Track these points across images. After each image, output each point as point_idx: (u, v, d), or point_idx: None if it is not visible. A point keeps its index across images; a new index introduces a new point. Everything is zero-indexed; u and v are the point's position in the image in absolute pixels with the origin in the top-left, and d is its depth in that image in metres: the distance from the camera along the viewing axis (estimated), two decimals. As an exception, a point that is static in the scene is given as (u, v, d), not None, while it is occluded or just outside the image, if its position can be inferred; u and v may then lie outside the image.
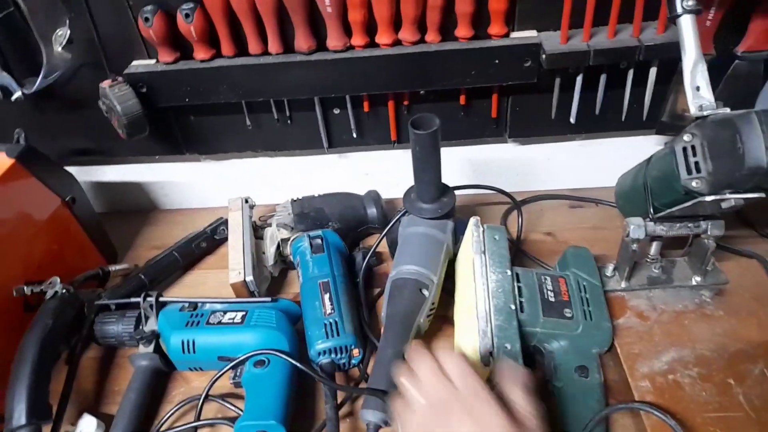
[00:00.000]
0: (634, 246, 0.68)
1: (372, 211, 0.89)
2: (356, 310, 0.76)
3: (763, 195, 0.54)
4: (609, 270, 0.74)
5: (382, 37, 0.76)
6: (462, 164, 0.96)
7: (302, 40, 0.76)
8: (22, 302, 0.73)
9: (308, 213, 0.87)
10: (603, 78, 0.78)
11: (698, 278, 0.72)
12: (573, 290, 0.69)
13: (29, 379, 0.62)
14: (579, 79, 0.78)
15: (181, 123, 0.89)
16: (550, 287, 0.69)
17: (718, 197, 0.55)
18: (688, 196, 0.59)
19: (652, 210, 0.68)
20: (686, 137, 0.57)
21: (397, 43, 0.77)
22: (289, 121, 0.88)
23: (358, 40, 0.77)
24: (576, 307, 0.67)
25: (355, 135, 0.89)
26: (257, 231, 0.88)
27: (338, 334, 0.69)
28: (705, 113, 0.55)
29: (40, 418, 0.61)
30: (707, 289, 0.71)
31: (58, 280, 0.74)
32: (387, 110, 0.86)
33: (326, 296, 0.74)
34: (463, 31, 0.75)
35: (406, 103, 0.85)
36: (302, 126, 0.89)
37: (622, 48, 0.72)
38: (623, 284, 0.73)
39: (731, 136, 0.52)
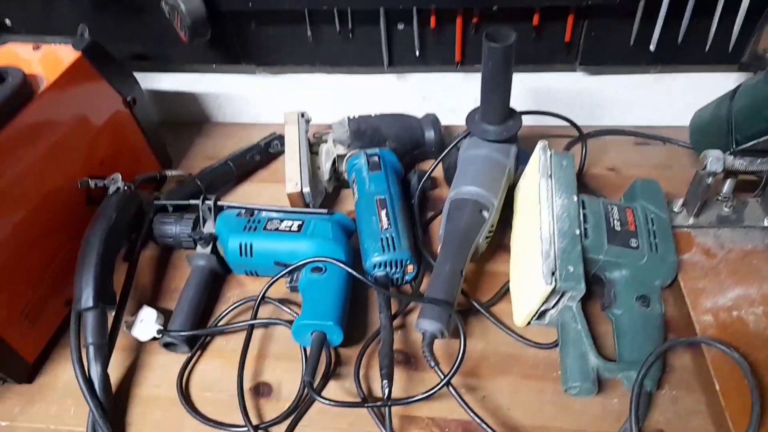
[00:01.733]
0: (710, 180, 0.65)
1: (430, 134, 0.87)
2: (411, 229, 0.75)
3: None
4: (677, 205, 0.71)
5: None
6: (526, 93, 0.92)
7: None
8: (85, 195, 0.74)
9: (365, 131, 0.86)
10: (691, 3, 0.73)
11: (772, 219, 0.69)
12: (640, 221, 0.67)
13: (96, 266, 0.64)
14: (665, 1, 0.73)
15: (241, 31, 0.87)
16: (616, 216, 0.67)
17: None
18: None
19: (734, 143, 0.64)
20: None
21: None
22: (350, 35, 0.85)
23: (432, -55, 0.73)
24: (642, 238, 0.65)
25: (417, 53, 0.86)
26: (312, 147, 0.87)
27: (394, 249, 0.69)
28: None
29: (105, 302, 0.63)
30: (780, 230, 0.68)
31: (120, 176, 0.75)
32: (453, 29, 0.82)
33: (383, 212, 0.73)
34: (546, -59, 0.70)
35: (475, 20, 0.81)
36: (364, 41, 0.86)
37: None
38: (691, 220, 0.70)
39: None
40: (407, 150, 0.87)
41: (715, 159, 0.64)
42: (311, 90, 0.97)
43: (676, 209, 0.71)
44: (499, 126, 0.74)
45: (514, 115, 0.76)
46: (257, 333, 0.68)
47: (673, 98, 0.88)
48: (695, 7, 0.74)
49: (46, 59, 0.73)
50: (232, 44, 0.89)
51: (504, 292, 0.70)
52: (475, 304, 0.68)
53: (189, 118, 1.04)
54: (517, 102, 0.90)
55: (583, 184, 0.83)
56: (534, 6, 0.76)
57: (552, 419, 0.58)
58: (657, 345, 0.59)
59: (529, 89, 0.92)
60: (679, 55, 0.80)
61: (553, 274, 0.60)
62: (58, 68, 0.71)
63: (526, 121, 0.87)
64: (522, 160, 0.77)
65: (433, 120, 0.88)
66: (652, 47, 0.79)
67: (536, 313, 0.63)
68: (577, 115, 0.91)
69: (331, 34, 0.85)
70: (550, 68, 0.89)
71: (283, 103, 0.98)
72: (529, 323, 0.65)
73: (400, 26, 0.84)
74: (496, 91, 0.70)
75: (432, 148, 0.88)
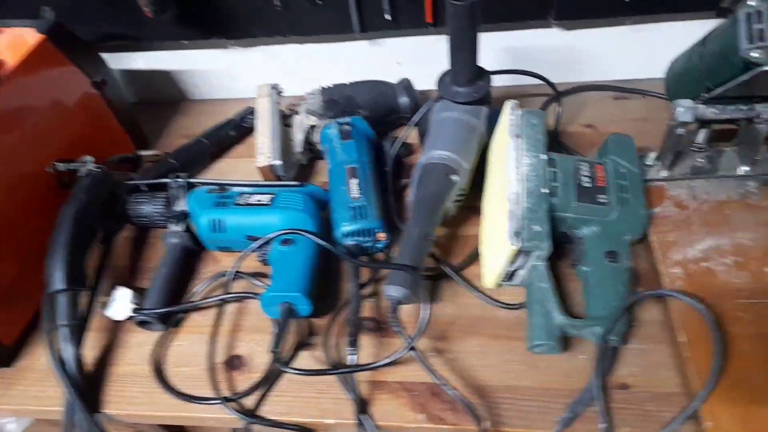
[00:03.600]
0: (681, 130, 0.64)
1: (404, 100, 0.86)
2: (383, 197, 0.75)
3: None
4: (651, 158, 0.70)
5: None
6: (500, 52, 0.90)
7: None
8: (57, 180, 0.74)
9: (337, 100, 0.85)
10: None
11: (746, 168, 0.67)
12: (610, 177, 0.66)
13: (66, 247, 0.64)
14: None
15: (208, 4, 0.85)
16: (586, 173, 0.66)
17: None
18: (746, 69, 0.53)
19: (705, 90, 0.63)
20: (752, 1, 0.51)
21: None
22: (319, 2, 0.83)
23: None
24: (611, 193, 0.64)
25: (389, 17, 0.84)
26: (286, 119, 0.86)
27: (364, 217, 0.69)
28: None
29: (76, 284, 0.64)
30: (754, 179, 0.67)
31: (90, 159, 0.75)
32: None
33: (353, 181, 0.73)
34: None
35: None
36: (333, 8, 0.84)
37: None
38: (664, 173, 0.69)
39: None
40: (381, 116, 0.86)
41: (684, 109, 0.62)
42: (285, 62, 0.96)
43: (650, 162, 0.70)
44: (468, 87, 0.73)
45: (483, 76, 0.74)
46: (231, 307, 0.69)
47: (652, 50, 0.86)
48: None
49: (9, 43, 0.72)
50: (200, 19, 0.88)
51: (475, 255, 0.70)
52: (444, 268, 0.68)
53: (165, 97, 1.03)
54: (493, 62, 0.89)
55: (560, 142, 0.81)
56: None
57: (519, 378, 0.58)
58: (624, 300, 0.59)
59: (506, 48, 0.90)
60: (655, 3, 0.77)
61: (518, 234, 0.59)
62: (21, 52, 0.71)
63: (503, 81, 0.87)
64: (496, 120, 0.76)
65: (406, 85, 0.87)
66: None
67: (505, 274, 0.63)
68: (555, 72, 0.89)
69: (299, 2, 0.84)
70: (525, 25, 0.86)
71: (258, 77, 0.96)
72: (500, 285, 0.65)
73: (368, -9, 0.82)
74: (463, 50, 0.69)
75: (407, 114, 0.87)
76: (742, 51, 0.52)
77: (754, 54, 0.51)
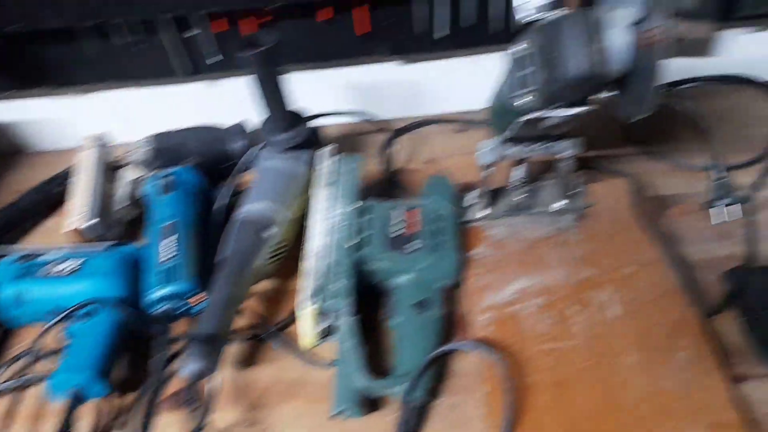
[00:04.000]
0: (487, 172, 0.63)
1: (236, 145, 0.82)
2: (206, 253, 0.71)
3: (588, 110, 0.49)
4: (471, 198, 0.69)
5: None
6: (341, 89, 0.89)
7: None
8: None
9: (166, 149, 0.81)
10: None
11: (561, 203, 0.67)
12: (425, 221, 0.64)
13: None
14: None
15: (28, 52, 0.80)
16: (399, 219, 0.64)
17: (544, 114, 0.49)
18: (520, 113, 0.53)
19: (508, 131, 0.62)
20: (519, 45, 0.50)
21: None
22: (140, 46, 0.79)
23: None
24: (424, 239, 0.63)
25: (221, 57, 0.81)
26: (113, 172, 0.81)
27: (175, 280, 0.64)
28: (533, 17, 0.48)
29: None
30: (570, 213, 0.67)
31: None
32: (247, 29, 0.77)
33: (168, 240, 0.68)
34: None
35: (268, 18, 0.76)
36: (158, 50, 0.80)
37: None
38: (485, 212, 0.68)
39: (549, 45, 0.46)
40: (214, 163, 0.82)
41: (485, 151, 0.62)
42: (119, 108, 0.91)
43: (470, 201, 0.69)
44: (287, 133, 0.71)
45: (301, 121, 0.72)
46: (32, 389, 0.63)
47: (484, 80, 0.86)
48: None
49: None
50: (24, 67, 0.82)
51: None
52: (261, 331, 0.65)
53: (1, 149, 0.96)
54: (334, 99, 0.87)
55: (396, 183, 0.79)
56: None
57: (330, 444, 0.55)
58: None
59: (347, 85, 0.88)
60: (470, 37, 0.78)
61: (317, 293, 0.57)
62: None
63: (345, 119, 0.85)
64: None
65: (238, 130, 0.83)
66: (435, 35, 0.76)
67: (317, 333, 0.60)
68: (400, 106, 0.89)
69: (123, 47, 0.79)
70: (361, 61, 0.85)
71: (89, 126, 0.91)
72: (317, 344, 0.62)
73: (194, 32, 0.79)
74: (266, 98, 0.66)
75: (239, 160, 0.83)
76: (508, 98, 0.51)
77: (518, 102, 0.50)
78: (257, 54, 0.60)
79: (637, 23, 0.46)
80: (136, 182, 0.79)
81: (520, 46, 0.51)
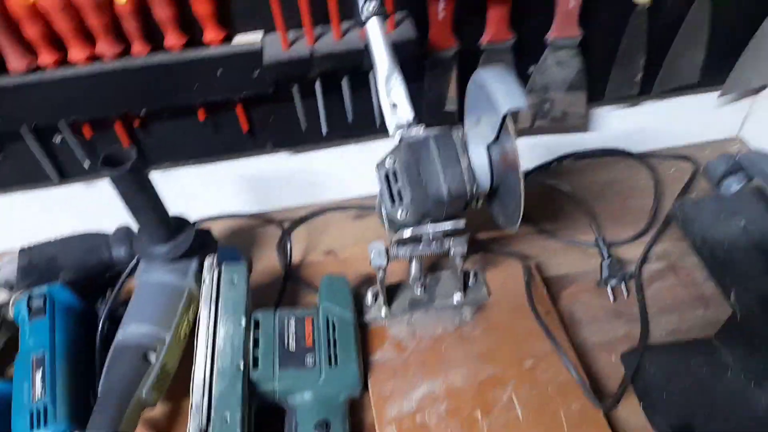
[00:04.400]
0: (381, 274, 0.61)
1: (119, 252, 0.76)
2: (86, 385, 0.63)
3: (461, 224, 0.48)
4: (369, 298, 0.67)
5: (74, 53, 0.63)
6: (236, 181, 0.85)
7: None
8: None
9: (36, 264, 0.73)
10: (346, 81, 0.69)
11: (459, 296, 0.66)
12: (320, 331, 0.61)
13: None
14: (318, 85, 0.69)
15: None
16: (293, 331, 0.60)
17: (419, 231, 0.48)
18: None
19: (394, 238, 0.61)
20: (387, 161, 0.49)
21: (100, 58, 0.64)
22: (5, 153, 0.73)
23: (45, 58, 0.63)
24: (320, 351, 0.59)
25: (86, 165, 0.75)
26: (-23, 294, 0.72)
27: (46, 423, 0.57)
28: (399, 135, 0.48)
29: None
30: (468, 306, 0.66)
31: None
32: (114, 134, 0.73)
33: (38, 374, 0.61)
34: (171, 39, 0.63)
35: (137, 124, 0.73)
36: (22, 158, 0.74)
37: (350, 51, 0.63)
38: (383, 312, 0.66)
39: (416, 162, 0.45)
40: (93, 276, 0.75)
41: (377, 253, 0.60)
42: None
43: (368, 302, 0.67)
44: (168, 244, 0.66)
45: (185, 228, 0.67)
46: None
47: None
48: (353, 83, 0.71)
49: None
50: None
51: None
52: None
53: None
54: (231, 191, 0.84)
55: (297, 278, 0.76)
56: (184, 104, 0.69)
57: None
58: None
59: (242, 177, 0.85)
60: (356, 130, 0.77)
61: (204, 427, 0.51)
62: None
63: (237, 215, 0.82)
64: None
65: (122, 235, 0.77)
66: (323, 131, 0.75)
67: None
68: (298, 195, 0.86)
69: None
70: (248, 154, 0.82)
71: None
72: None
73: (57, 139, 0.73)
74: (140, 212, 0.62)
75: (125, 268, 0.77)
76: (388, 211, 0.49)
77: (399, 214, 0.49)
78: (117, 175, 0.55)
79: (495, 141, 0.46)
80: (3, 306, 0.71)
81: (387, 161, 0.50)
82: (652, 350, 0.62)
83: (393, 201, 0.49)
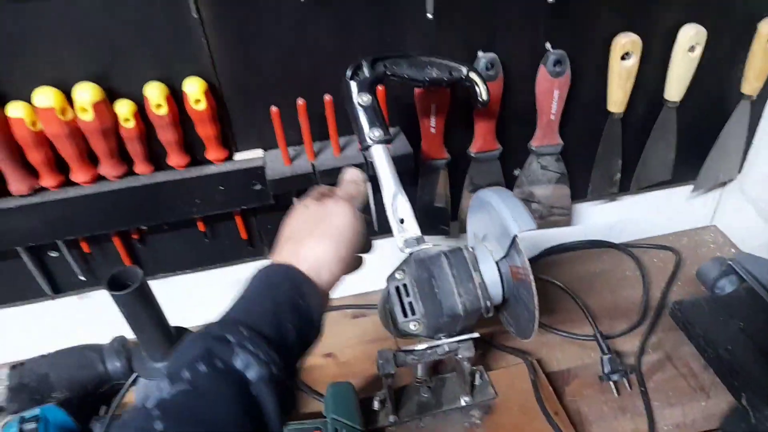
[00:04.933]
0: (389, 381, 0.61)
1: (115, 366, 0.74)
2: None
3: (475, 335, 0.50)
4: (376, 404, 0.66)
5: (77, 175, 0.64)
6: (233, 287, 0.85)
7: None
8: None
9: (27, 383, 0.70)
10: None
11: (466, 398, 0.66)
12: (328, 444, 0.60)
13: None
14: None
15: None
16: (301, 447, 0.59)
17: (433, 344, 0.50)
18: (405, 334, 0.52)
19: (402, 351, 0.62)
20: (398, 274, 0.51)
21: (102, 177, 0.66)
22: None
23: (48, 180, 0.64)
24: (330, 467, 0.58)
25: (83, 277, 0.75)
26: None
27: None
28: (408, 249, 0.50)
29: None
30: (476, 408, 0.66)
31: None
32: (113, 246, 0.73)
33: None
34: (175, 159, 0.66)
35: (135, 237, 0.73)
36: (15, 275, 0.73)
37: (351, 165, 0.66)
38: (391, 418, 0.65)
39: (428, 278, 0.47)
40: (88, 392, 0.73)
41: (384, 362, 0.60)
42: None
43: (375, 407, 0.66)
44: (167, 359, 0.65)
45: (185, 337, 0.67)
46: None
47: (378, 264, 0.87)
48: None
49: None
50: None
51: None
52: None
53: None
54: (221, 296, 0.83)
55: (300, 383, 0.75)
56: (186, 218, 0.70)
57: None
58: None
59: (237, 282, 0.84)
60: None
61: None
62: None
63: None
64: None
65: (117, 347, 0.75)
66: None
67: None
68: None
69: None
70: (243, 261, 0.83)
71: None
72: None
73: (54, 254, 0.73)
74: (144, 331, 0.61)
75: (123, 381, 0.75)
76: (400, 324, 0.50)
77: (412, 327, 0.50)
78: (121, 296, 0.56)
79: (505, 257, 0.48)
80: (-11, 431, 0.67)
81: (398, 274, 0.52)
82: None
83: (405, 314, 0.50)
